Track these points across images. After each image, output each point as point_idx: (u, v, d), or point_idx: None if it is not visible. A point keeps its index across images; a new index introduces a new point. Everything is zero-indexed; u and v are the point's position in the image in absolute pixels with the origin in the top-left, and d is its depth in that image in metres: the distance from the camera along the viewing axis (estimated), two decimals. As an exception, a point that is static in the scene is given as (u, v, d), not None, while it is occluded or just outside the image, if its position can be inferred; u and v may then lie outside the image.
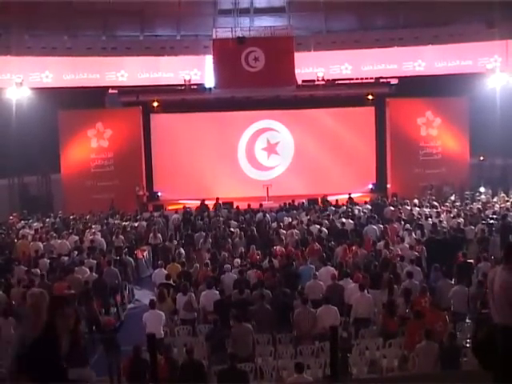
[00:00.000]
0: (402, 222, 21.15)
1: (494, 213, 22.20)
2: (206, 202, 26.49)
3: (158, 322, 12.54)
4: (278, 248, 18.29)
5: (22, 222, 24.94)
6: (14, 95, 27.77)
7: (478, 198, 25.95)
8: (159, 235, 21.67)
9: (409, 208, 23.85)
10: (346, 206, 24.60)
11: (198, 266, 16.66)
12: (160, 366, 9.73)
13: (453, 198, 26.25)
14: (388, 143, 30.51)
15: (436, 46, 30.99)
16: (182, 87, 29.97)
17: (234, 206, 26.02)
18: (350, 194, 26.89)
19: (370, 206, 24.97)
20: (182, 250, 18.48)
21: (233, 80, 28.68)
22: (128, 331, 14.63)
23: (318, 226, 20.62)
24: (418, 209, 23.68)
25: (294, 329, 12.64)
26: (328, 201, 26.24)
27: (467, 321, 13.01)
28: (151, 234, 21.83)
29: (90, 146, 29.65)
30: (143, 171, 30.49)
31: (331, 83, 30.08)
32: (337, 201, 25.89)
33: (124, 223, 23.67)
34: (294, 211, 24.30)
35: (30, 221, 25.10)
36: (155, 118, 31.25)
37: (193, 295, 13.91)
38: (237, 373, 9.95)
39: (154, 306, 13.03)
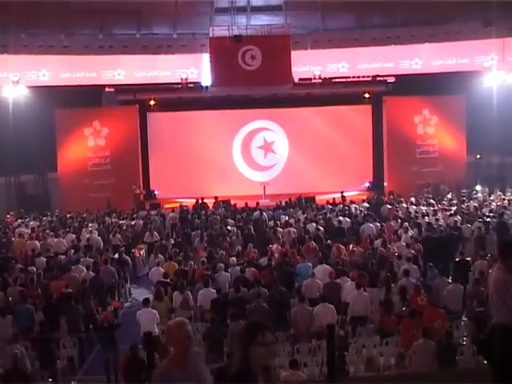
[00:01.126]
0: (399, 220, 21.16)
1: (490, 211, 22.25)
2: (205, 201, 26.50)
3: (152, 320, 12.54)
4: (274, 246, 18.29)
5: (19, 220, 24.93)
6: (10, 93, 27.68)
7: (475, 196, 25.98)
8: (155, 233, 21.65)
9: (405, 206, 23.87)
10: (343, 204, 24.61)
11: (193, 263, 16.67)
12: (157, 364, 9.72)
13: (450, 196, 26.27)
14: (385, 141, 30.53)
15: (433, 44, 30.99)
16: (179, 86, 29.96)
17: (232, 205, 26.04)
18: (342, 192, 26.74)
19: (367, 204, 24.98)
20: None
21: (229, 78, 28.65)
22: (125, 329, 14.62)
23: (315, 225, 20.64)
24: (414, 207, 23.69)
25: (291, 327, 12.65)
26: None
27: (463, 319, 13.02)
28: (147, 233, 21.80)
29: (86, 145, 29.63)
30: (140, 170, 30.49)
31: (328, 81, 30.11)
32: (334, 199, 25.85)
33: (121, 222, 23.67)
34: (291, 209, 24.30)
35: (27, 219, 25.08)
36: (152, 116, 31.24)
37: (189, 293, 13.90)
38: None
39: (147, 304, 13.03)
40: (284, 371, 10.15)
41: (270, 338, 4.33)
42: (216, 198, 26.72)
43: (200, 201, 26.31)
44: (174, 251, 18.04)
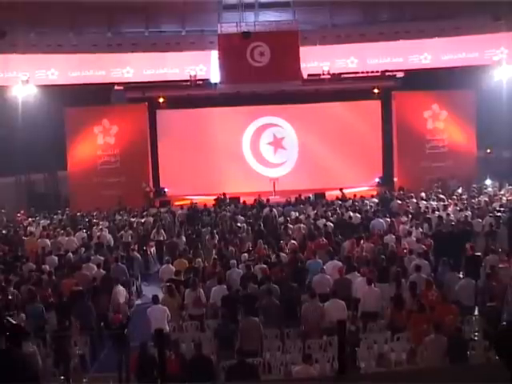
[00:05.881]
0: (410, 216, 21.10)
1: (501, 205, 22.16)
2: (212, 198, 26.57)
3: (163, 316, 12.55)
4: (285, 242, 18.26)
5: (30, 219, 25.02)
6: (20, 93, 27.84)
7: (485, 191, 25.88)
8: (162, 231, 21.62)
9: (415, 201, 23.80)
10: (353, 200, 24.57)
11: (201, 260, 16.66)
12: (170, 362, 9.75)
13: (460, 191, 26.19)
14: (394, 137, 30.45)
15: (442, 38, 30.84)
16: (188, 83, 30.00)
17: (241, 201, 26.06)
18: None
19: (376, 200, 24.94)
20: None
21: (238, 75, 28.68)
22: (136, 327, 14.65)
23: (325, 220, 20.61)
24: (424, 202, 23.63)
25: (301, 323, 12.63)
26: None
27: (475, 314, 12.98)
28: (154, 231, 21.81)
29: (96, 143, 29.71)
30: (149, 167, 30.54)
31: (337, 77, 30.06)
32: (343, 194, 25.82)
33: (131, 219, 23.70)
34: (301, 206, 24.28)
35: (38, 218, 25.17)
36: (161, 113, 31.28)
37: (201, 291, 13.90)
38: (246, 367, 9.89)
39: (157, 301, 13.03)
40: (297, 365, 10.16)
41: None
42: (224, 194, 26.78)
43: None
44: (184, 249, 18.05)
